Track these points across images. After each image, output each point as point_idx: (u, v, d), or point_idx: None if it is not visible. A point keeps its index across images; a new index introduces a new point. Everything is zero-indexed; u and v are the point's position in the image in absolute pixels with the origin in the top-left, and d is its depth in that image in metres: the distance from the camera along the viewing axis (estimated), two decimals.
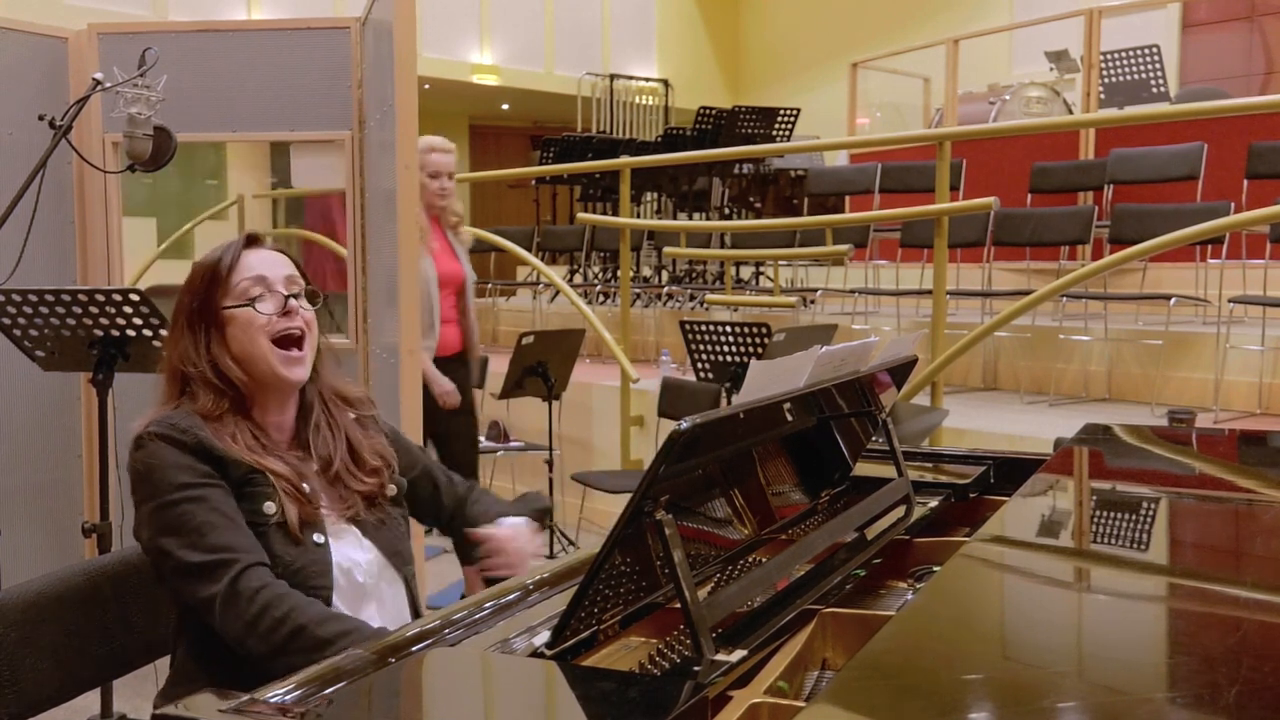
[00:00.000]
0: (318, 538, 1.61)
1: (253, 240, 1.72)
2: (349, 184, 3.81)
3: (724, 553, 1.50)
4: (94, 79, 2.84)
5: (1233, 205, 5.04)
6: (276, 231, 7.75)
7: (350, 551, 1.66)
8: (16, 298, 2.73)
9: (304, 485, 1.64)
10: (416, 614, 1.76)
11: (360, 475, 1.72)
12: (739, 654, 1.21)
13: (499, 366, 5.28)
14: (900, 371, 1.91)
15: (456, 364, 4.08)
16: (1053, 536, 1.61)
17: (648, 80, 13.10)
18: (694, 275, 8.34)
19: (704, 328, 4.00)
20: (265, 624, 1.46)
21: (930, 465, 2.17)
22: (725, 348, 3.95)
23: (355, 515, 1.70)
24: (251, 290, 1.65)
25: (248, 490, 1.58)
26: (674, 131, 9.28)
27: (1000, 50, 10.91)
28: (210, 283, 1.66)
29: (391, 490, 1.76)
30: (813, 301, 7.23)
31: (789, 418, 1.49)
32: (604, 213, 8.38)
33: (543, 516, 1.94)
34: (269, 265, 1.68)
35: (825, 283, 7.29)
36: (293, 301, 1.67)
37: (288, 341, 1.66)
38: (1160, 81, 7.52)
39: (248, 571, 1.49)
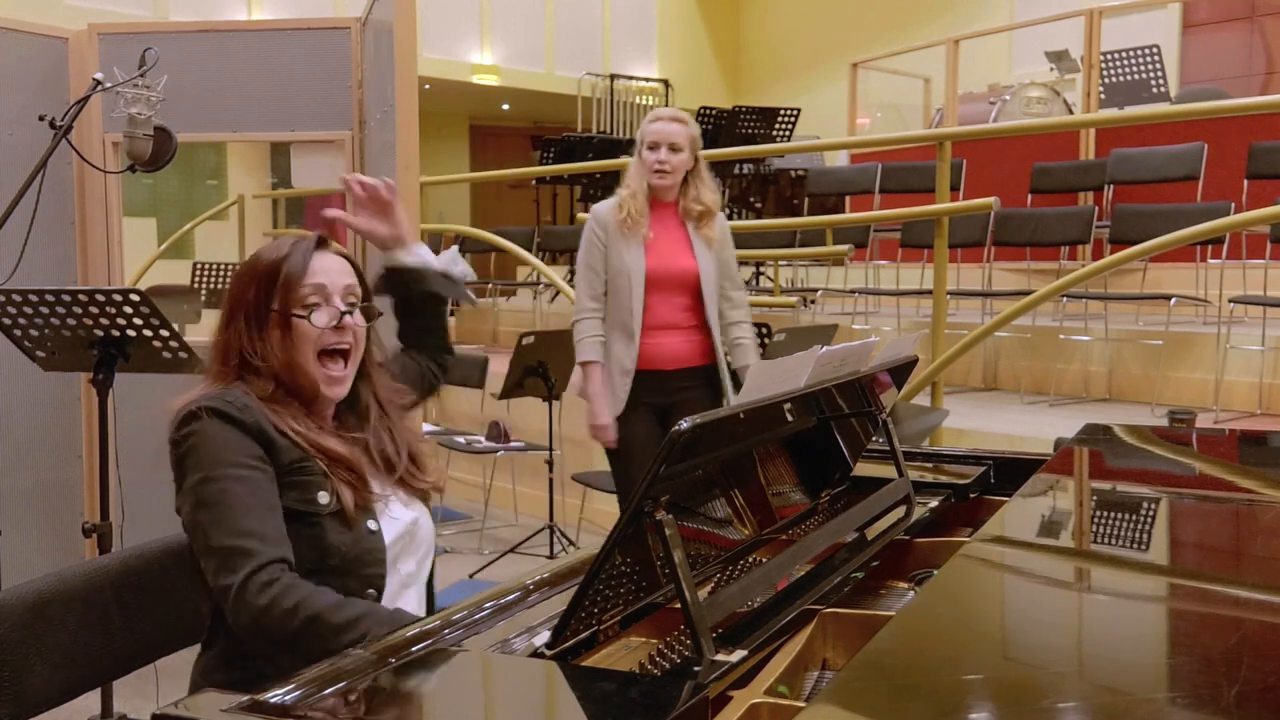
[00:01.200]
0: (371, 525, 1.61)
1: (321, 243, 1.70)
2: None
3: (724, 553, 1.50)
4: (94, 79, 2.84)
5: (1233, 205, 5.04)
6: (276, 231, 7.76)
7: (403, 513, 1.68)
8: (17, 298, 2.73)
9: (361, 469, 1.64)
10: (430, 589, 1.79)
11: (422, 476, 1.75)
12: (739, 654, 1.21)
13: (499, 366, 5.28)
14: (900, 372, 1.91)
15: (684, 381, 3.35)
16: (1053, 537, 1.61)
17: (648, 80, 13.10)
18: None
19: None
20: (275, 615, 1.45)
21: (930, 465, 2.17)
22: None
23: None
24: (309, 299, 1.65)
25: (299, 479, 1.57)
26: None
27: (1000, 50, 10.91)
28: (272, 281, 1.65)
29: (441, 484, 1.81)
30: (813, 301, 7.23)
31: (789, 418, 1.49)
32: None
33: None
34: (331, 274, 1.67)
35: (825, 283, 7.30)
36: (347, 317, 1.66)
37: (333, 354, 1.66)
38: (1160, 82, 7.52)
39: (265, 568, 1.48)
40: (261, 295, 1.65)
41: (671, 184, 3.34)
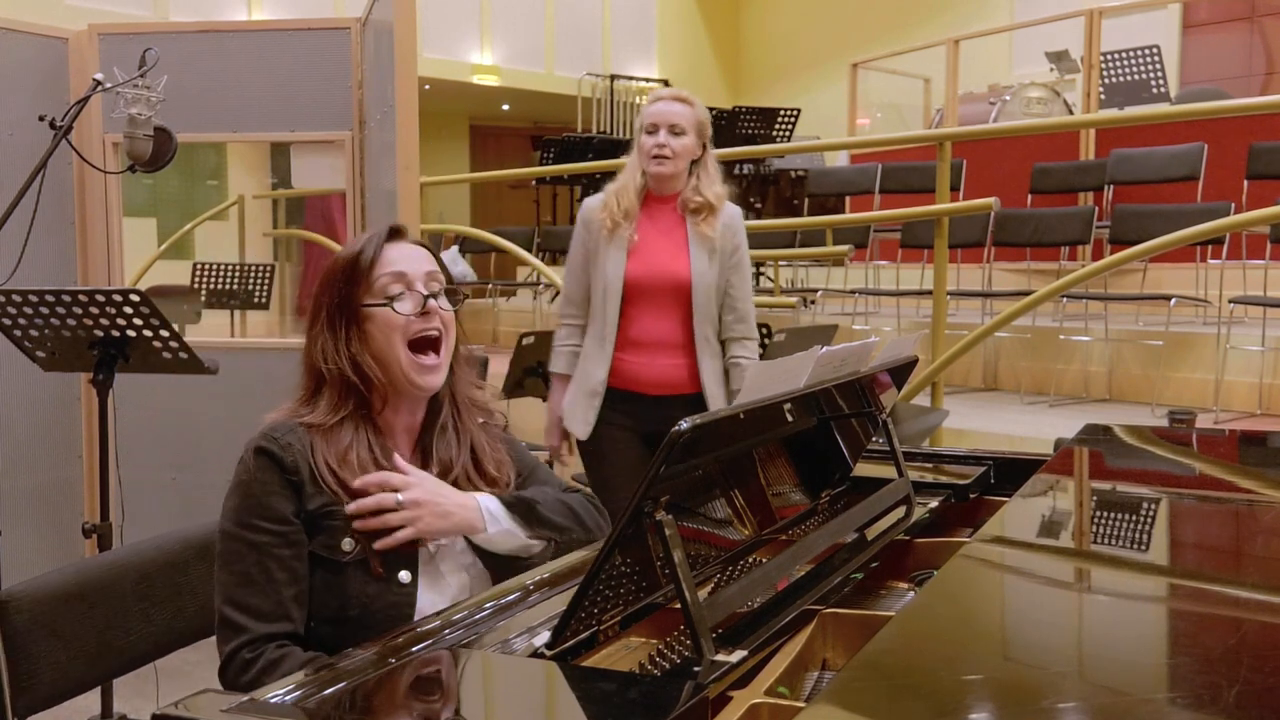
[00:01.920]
0: (404, 576, 1.53)
1: (395, 233, 1.65)
2: (349, 184, 3.81)
3: (724, 553, 1.50)
4: (94, 79, 2.84)
5: (1233, 206, 5.04)
6: (276, 232, 7.76)
7: (452, 578, 1.59)
8: (17, 298, 2.73)
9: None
10: None
11: (480, 485, 1.66)
12: (739, 654, 1.20)
13: (499, 366, 5.28)
14: (900, 372, 1.91)
15: (668, 410, 2.84)
16: (1053, 537, 1.61)
17: (648, 80, 13.10)
18: None
19: None
20: None
21: (930, 466, 2.17)
22: None
23: None
24: (391, 287, 1.59)
25: (326, 524, 1.52)
26: None
27: (1001, 51, 10.91)
28: (350, 278, 1.60)
29: None
30: (813, 302, 7.23)
31: (789, 418, 1.49)
32: None
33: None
34: (410, 261, 1.62)
35: (826, 283, 7.30)
36: (432, 301, 1.60)
37: (424, 344, 1.60)
38: (1160, 82, 7.52)
39: (250, 645, 1.47)
40: (340, 293, 1.59)
41: (672, 173, 2.87)
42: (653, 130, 2.87)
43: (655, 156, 2.85)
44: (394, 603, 1.52)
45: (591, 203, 2.99)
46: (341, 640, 1.48)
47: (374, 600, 1.51)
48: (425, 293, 1.60)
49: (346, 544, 1.51)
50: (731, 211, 2.97)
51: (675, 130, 2.85)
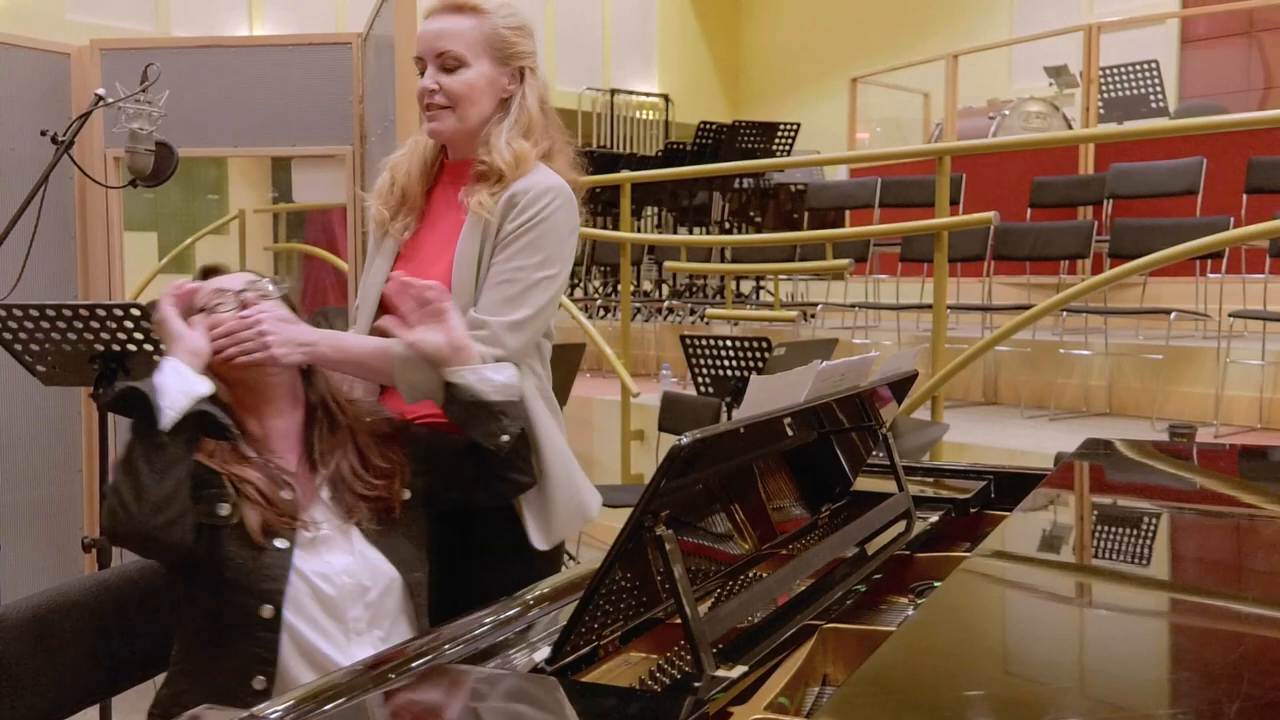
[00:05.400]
0: (280, 543, 1.58)
1: (209, 271, 1.76)
2: (350, 199, 3.82)
3: (725, 568, 1.50)
4: (96, 94, 2.85)
5: (1232, 220, 5.04)
6: (277, 246, 7.77)
7: (334, 558, 1.62)
8: (18, 312, 2.73)
9: (282, 493, 1.61)
10: (421, 623, 1.70)
11: (368, 478, 1.68)
12: (739, 670, 1.20)
13: None
14: (900, 386, 1.91)
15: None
16: (1053, 551, 1.61)
17: (648, 95, 13.14)
18: (694, 289, 8.35)
19: (704, 342, 3.99)
20: (114, 513, 1.50)
21: (931, 480, 2.17)
22: (725, 362, 3.94)
23: (358, 522, 1.66)
24: (210, 301, 1.69)
25: (205, 492, 1.57)
26: (674, 146, 9.31)
27: (1000, 65, 10.94)
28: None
29: (405, 495, 1.71)
30: (813, 316, 7.23)
31: (789, 433, 1.49)
32: (604, 227, 8.40)
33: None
34: (225, 281, 1.73)
35: (825, 297, 7.30)
36: (249, 295, 1.69)
37: None
38: (1159, 96, 7.54)
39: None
40: None
41: (453, 131, 1.86)
42: (424, 69, 1.87)
43: (426, 108, 1.87)
44: (268, 564, 1.57)
45: (375, 187, 2.02)
46: (220, 604, 1.56)
47: (248, 562, 1.56)
48: (239, 288, 1.69)
49: (221, 509, 1.56)
50: (538, 182, 1.84)
51: (445, 62, 1.83)
